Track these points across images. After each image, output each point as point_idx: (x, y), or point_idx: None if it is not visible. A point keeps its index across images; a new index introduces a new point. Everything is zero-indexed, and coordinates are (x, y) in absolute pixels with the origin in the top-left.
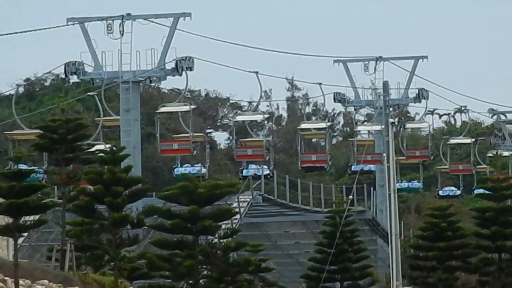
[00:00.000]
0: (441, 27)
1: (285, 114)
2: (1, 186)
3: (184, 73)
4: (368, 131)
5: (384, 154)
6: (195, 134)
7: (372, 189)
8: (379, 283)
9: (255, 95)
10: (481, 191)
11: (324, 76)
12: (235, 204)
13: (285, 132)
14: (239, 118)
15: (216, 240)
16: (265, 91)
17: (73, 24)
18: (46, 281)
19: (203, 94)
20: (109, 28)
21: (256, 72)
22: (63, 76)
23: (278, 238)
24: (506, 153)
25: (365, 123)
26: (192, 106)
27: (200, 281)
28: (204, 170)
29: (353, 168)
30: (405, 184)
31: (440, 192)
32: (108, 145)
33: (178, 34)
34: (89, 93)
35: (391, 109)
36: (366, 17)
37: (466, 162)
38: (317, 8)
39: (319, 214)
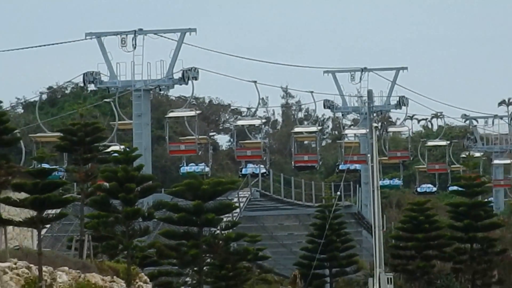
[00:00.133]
0: (420, 41)
1: (280, 119)
2: (26, 183)
3: (190, 82)
4: (354, 134)
5: (369, 155)
6: (199, 136)
7: (357, 186)
8: (363, 270)
9: (254, 102)
10: (455, 188)
11: (314, 85)
12: (235, 199)
13: (280, 135)
14: (239, 122)
15: (218, 231)
16: (262, 98)
17: (90, 38)
18: (66, 268)
19: (207, 101)
20: (123, 42)
21: (255, 82)
22: (82, 85)
23: (273, 230)
24: (477, 154)
25: (352, 127)
26: (197, 112)
27: (204, 268)
28: (207, 169)
29: (340, 167)
30: (387, 182)
31: (418, 189)
32: (122, 146)
33: (184, 47)
34: (105, 100)
35: (374, 114)
36: (353, 32)
37: (442, 162)
38: (309, 25)
39: (310, 208)
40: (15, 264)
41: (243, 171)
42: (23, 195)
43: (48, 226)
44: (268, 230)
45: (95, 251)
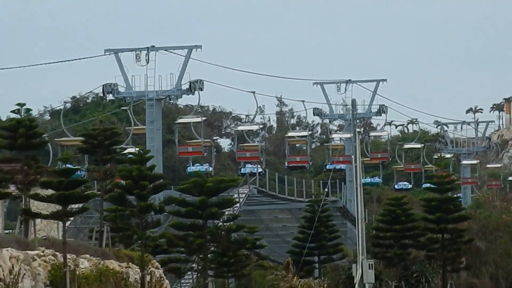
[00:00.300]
0: (397, 57)
1: (275, 125)
2: (52, 180)
3: (196, 92)
4: (340, 138)
5: (352, 156)
6: (204, 140)
7: (342, 183)
8: (348, 257)
9: (252, 109)
10: (428, 185)
11: (305, 95)
12: (235, 195)
13: (275, 139)
14: (239, 128)
15: (220, 223)
16: (260, 106)
17: (109, 54)
18: (87, 255)
19: (211, 109)
20: (138, 57)
21: (253, 92)
22: (101, 95)
23: (269, 222)
24: (448, 155)
25: (338, 132)
26: (203, 118)
27: (208, 255)
28: (211, 169)
29: (328, 167)
30: (368, 180)
31: (396, 186)
32: (136, 149)
33: (191, 62)
34: (122, 108)
35: (358, 121)
36: (338, 49)
37: (417, 162)
38: (300, 43)
39: (301, 203)
40: (43, 252)
41: (242, 171)
42: (50, 192)
43: (71, 218)
44: (264, 222)
45: (113, 241)
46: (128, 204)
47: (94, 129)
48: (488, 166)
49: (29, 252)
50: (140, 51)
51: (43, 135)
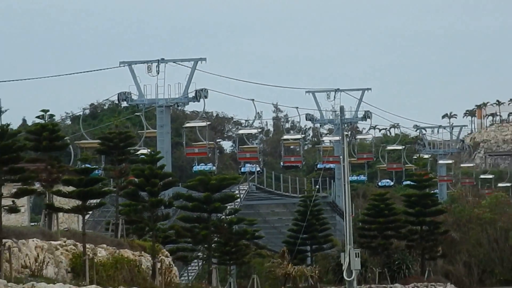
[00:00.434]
0: (380, 69)
1: (271, 129)
2: (73, 178)
3: (201, 100)
4: (330, 140)
5: (341, 157)
6: (209, 142)
7: (332, 181)
8: (337, 246)
9: (251, 115)
10: (408, 182)
11: (299, 102)
12: (236, 192)
13: (271, 141)
14: (240, 131)
15: (223, 216)
16: (258, 112)
17: (123, 66)
18: (104, 245)
19: (214, 114)
20: (149, 69)
21: (252, 100)
22: (117, 102)
23: (266, 215)
24: (426, 156)
25: (327, 135)
26: (207, 123)
27: (212, 245)
28: (214, 168)
29: (319, 166)
30: (355, 177)
31: (379, 183)
32: (148, 150)
33: (197, 72)
34: (135, 114)
35: (345, 125)
36: (329, 61)
37: (398, 162)
38: (295, 55)
39: (295, 198)
40: (65, 242)
41: (242, 170)
42: (71, 188)
43: (90, 212)
44: (262, 215)
45: (127, 232)
46: (140, 199)
47: (110, 133)
48: (461, 165)
49: (52, 242)
50: (151, 63)
51: (65, 138)
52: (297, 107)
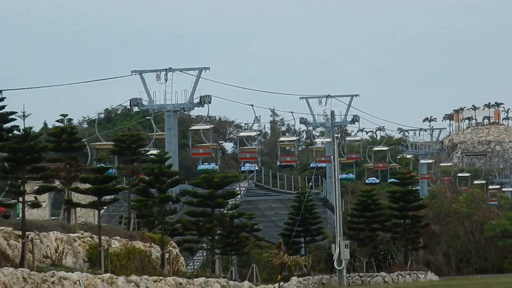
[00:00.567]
0: (366, 77)
1: (269, 131)
2: (90, 176)
3: (205, 105)
4: (321, 142)
5: (331, 157)
6: (212, 143)
7: (324, 178)
8: (328, 238)
9: (251, 119)
10: (392, 180)
11: (294, 107)
12: (237, 189)
13: (269, 143)
14: (241, 134)
15: (225, 211)
16: (257, 116)
17: (135, 74)
18: (118, 237)
19: (217, 118)
20: (158, 77)
21: (252, 105)
22: (129, 107)
23: (264, 210)
24: (408, 156)
25: (319, 137)
26: (211, 126)
27: (215, 237)
28: (217, 167)
29: (311, 165)
30: (344, 176)
31: (366, 181)
32: (157, 151)
33: (201, 80)
34: (146, 118)
35: (336, 128)
36: (321, 70)
37: (383, 161)
38: (290, 63)
39: (290, 194)
40: (82, 234)
41: (243, 168)
42: (87, 185)
43: (105, 207)
44: (260, 210)
45: (139, 225)
46: (150, 195)
47: (123, 135)
48: (441, 164)
49: (71, 234)
50: (160, 72)
51: (82, 140)
52: (292, 112)
